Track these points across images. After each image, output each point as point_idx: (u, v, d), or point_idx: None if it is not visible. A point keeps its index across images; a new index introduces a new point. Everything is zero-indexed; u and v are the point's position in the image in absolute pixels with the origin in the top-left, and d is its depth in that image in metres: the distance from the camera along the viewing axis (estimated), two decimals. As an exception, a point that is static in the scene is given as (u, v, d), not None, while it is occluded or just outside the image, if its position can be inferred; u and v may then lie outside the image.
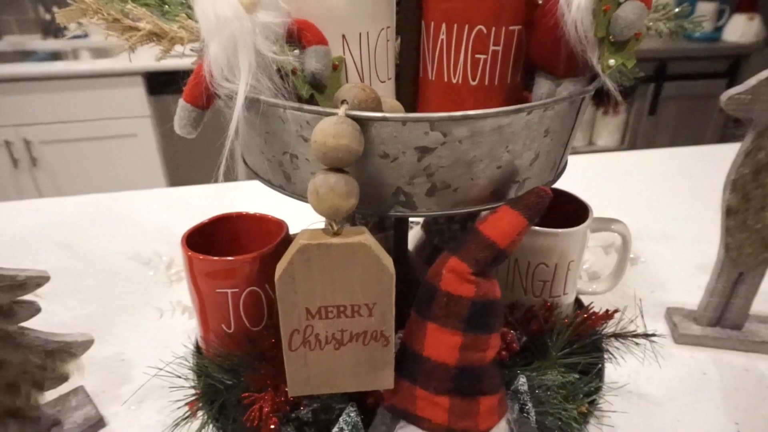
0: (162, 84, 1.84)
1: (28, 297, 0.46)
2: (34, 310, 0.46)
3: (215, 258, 0.43)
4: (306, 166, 0.33)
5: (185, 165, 1.99)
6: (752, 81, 0.48)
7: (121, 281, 0.72)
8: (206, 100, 0.33)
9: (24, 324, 0.46)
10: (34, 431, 0.48)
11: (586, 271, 0.64)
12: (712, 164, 1.08)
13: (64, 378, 0.49)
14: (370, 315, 0.33)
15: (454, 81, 0.39)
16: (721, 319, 0.60)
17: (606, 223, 0.51)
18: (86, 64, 1.78)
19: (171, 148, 1.96)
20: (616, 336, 0.46)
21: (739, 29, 2.07)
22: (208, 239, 0.47)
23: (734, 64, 2.12)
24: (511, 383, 0.40)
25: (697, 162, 1.09)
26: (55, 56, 2.06)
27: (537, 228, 0.47)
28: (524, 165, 0.34)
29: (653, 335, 0.45)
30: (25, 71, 1.71)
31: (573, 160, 1.11)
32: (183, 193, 0.96)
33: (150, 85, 1.83)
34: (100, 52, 2.10)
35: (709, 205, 0.91)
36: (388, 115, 0.29)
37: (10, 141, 1.80)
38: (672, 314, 0.63)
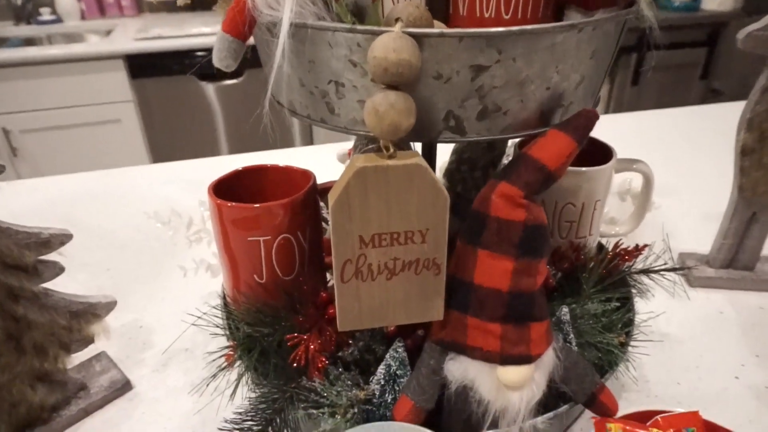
0: (144, 67, 1.79)
1: (51, 257, 0.45)
2: (58, 269, 0.45)
3: (246, 205, 0.42)
4: (352, 94, 0.32)
5: (171, 150, 1.96)
6: (769, 17, 0.49)
7: (131, 252, 0.70)
8: (248, 29, 0.32)
9: (47, 285, 0.45)
10: (63, 395, 0.47)
11: (604, 218, 0.65)
12: (701, 123, 1.10)
13: (89, 340, 0.48)
14: (423, 242, 0.32)
15: (487, 15, 0.39)
16: (733, 261, 0.62)
17: (629, 163, 0.51)
18: (64, 48, 1.73)
19: (156, 133, 1.92)
20: (645, 272, 0.47)
21: (717, -2, 2.10)
22: (233, 191, 0.46)
23: (713, 33, 2.16)
24: (552, 316, 0.41)
25: (686, 121, 1.11)
26: (29, 42, 1.99)
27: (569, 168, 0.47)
28: (570, 88, 0.34)
29: (682, 268, 0.46)
30: (1, 58, 1.65)
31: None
32: (183, 167, 0.94)
33: (132, 68, 1.78)
34: (74, 38, 2.04)
35: (707, 160, 0.93)
36: (445, 30, 0.28)
37: (-12, 130, 1.75)
38: (685, 259, 0.64)
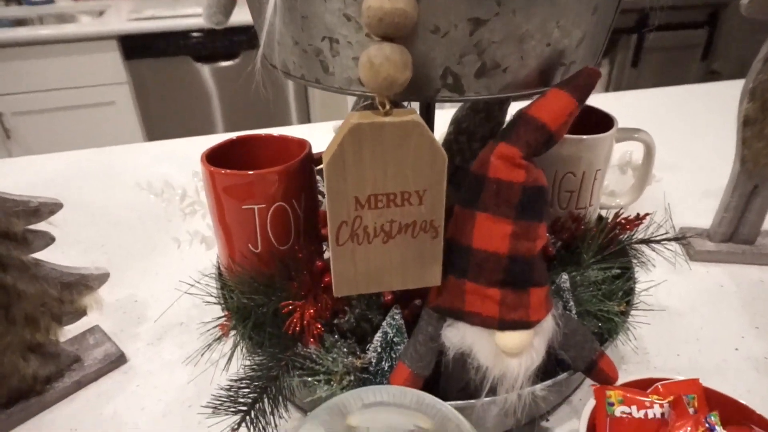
0: (138, 48, 1.77)
1: (41, 227, 0.44)
2: (48, 239, 0.44)
3: (240, 172, 0.41)
4: (347, 51, 0.31)
5: (166, 132, 1.94)
6: (773, -18, 0.48)
7: (126, 228, 0.69)
8: (238, -18, 0.31)
9: (38, 256, 0.44)
10: (56, 368, 0.47)
11: (604, 191, 0.64)
12: (700, 102, 1.09)
13: (81, 312, 0.48)
14: (420, 203, 0.32)
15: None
16: (734, 234, 0.61)
17: (630, 133, 0.50)
18: (56, 28, 1.70)
19: (151, 116, 1.90)
20: (646, 241, 0.46)
21: (718, -22, 2.08)
22: (227, 161, 0.45)
23: (714, 14, 2.13)
24: (552, 284, 0.40)
25: (685, 100, 1.10)
26: (20, 23, 1.96)
27: (568, 136, 0.46)
28: (571, 46, 0.33)
29: (683, 238, 0.45)
30: (-9, 38, 1.63)
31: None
32: (177, 144, 0.93)
33: (126, 50, 1.76)
34: (66, 18, 2.01)
35: (706, 138, 0.92)
36: (442, -21, 0.27)
37: (-20, 113, 1.73)
38: (685, 233, 0.63)
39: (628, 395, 0.36)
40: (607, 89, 2.15)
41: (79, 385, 0.47)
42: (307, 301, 0.38)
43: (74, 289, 0.46)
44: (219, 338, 0.42)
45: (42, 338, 0.45)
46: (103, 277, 0.48)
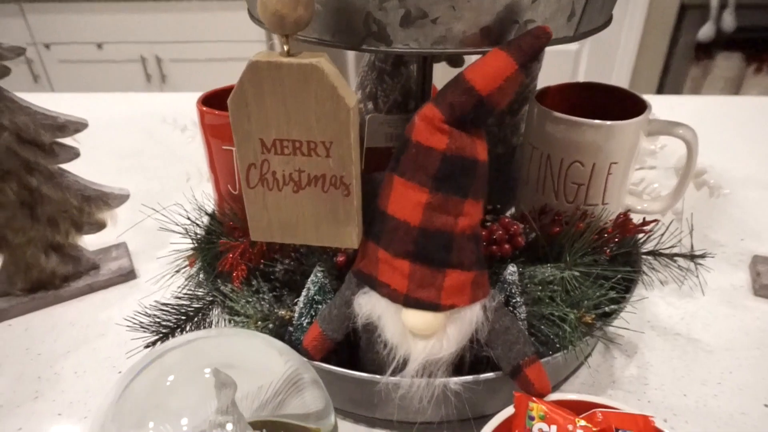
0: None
1: (68, 141, 0.49)
2: (73, 153, 0.50)
3: (221, 112, 0.42)
4: (280, -10, 0.30)
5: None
6: None
7: (181, 160, 0.76)
8: None
9: (64, 167, 0.50)
10: (74, 268, 0.53)
11: (650, 194, 0.55)
12: None
13: (101, 225, 0.53)
14: (327, 156, 0.30)
15: None
16: (820, 273, 0.49)
17: (668, 126, 0.42)
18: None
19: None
20: (654, 253, 0.39)
21: None
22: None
23: None
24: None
25: None
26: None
27: (574, 118, 0.40)
28: (524, 1, 0.28)
29: (701, 256, 0.37)
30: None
31: (706, 102, 0.97)
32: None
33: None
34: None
35: None
36: None
37: (145, 57, 1.97)
38: (758, 263, 0.52)
39: (551, 413, 0.32)
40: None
41: (91, 289, 0.53)
42: (242, 243, 0.38)
43: (93, 203, 0.52)
44: (185, 267, 0.45)
45: (62, 239, 0.51)
46: (122, 198, 0.53)
